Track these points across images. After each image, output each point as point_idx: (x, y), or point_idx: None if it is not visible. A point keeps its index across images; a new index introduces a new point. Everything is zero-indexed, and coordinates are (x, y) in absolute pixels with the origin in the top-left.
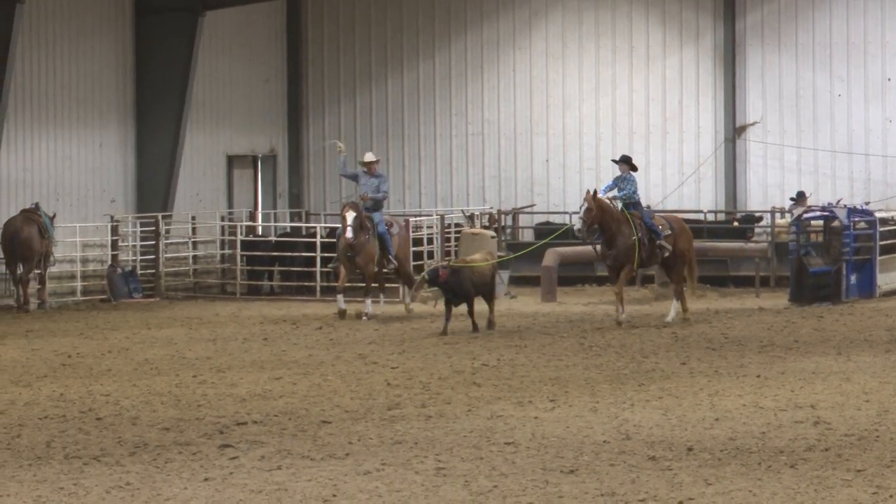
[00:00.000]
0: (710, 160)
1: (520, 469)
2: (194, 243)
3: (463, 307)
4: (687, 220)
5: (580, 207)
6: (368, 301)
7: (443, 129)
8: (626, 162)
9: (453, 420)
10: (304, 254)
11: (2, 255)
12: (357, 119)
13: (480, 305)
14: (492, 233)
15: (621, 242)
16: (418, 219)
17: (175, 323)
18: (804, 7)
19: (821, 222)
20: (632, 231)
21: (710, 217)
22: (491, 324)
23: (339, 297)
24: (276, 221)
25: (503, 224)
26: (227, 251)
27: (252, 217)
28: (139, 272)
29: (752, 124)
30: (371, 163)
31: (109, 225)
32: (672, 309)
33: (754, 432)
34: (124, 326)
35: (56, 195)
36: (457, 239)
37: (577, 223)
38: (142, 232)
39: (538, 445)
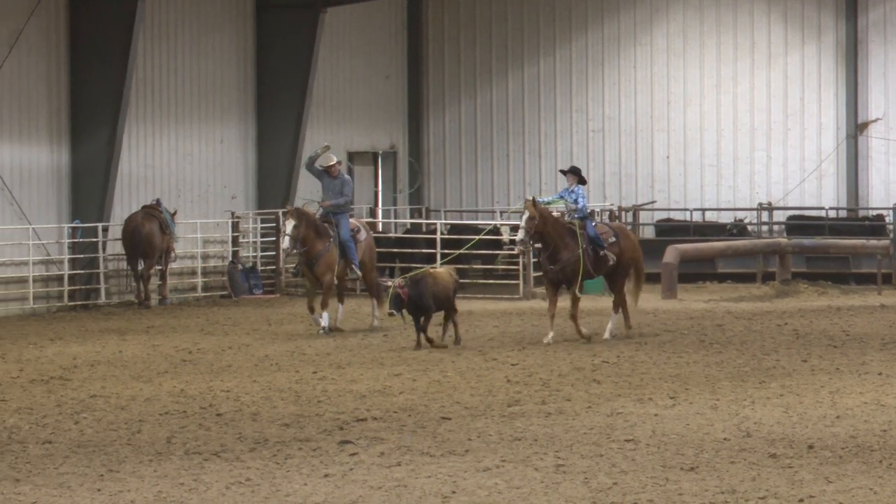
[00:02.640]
0: (832, 157)
1: (640, 466)
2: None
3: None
4: (808, 217)
5: (520, 216)
6: (325, 313)
7: (563, 126)
8: (574, 174)
9: (573, 417)
10: (424, 250)
11: (123, 252)
12: (477, 116)
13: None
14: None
15: (566, 256)
16: None
17: (295, 319)
18: None
19: None
20: (576, 243)
21: (832, 214)
22: (458, 339)
23: (314, 315)
24: (396, 218)
25: (624, 221)
26: None
27: (373, 213)
28: (260, 268)
29: (875, 121)
30: (331, 166)
31: (230, 221)
32: (610, 322)
33: (875, 430)
34: (245, 323)
35: (177, 191)
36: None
37: (519, 233)
38: (262, 228)
39: (658, 442)
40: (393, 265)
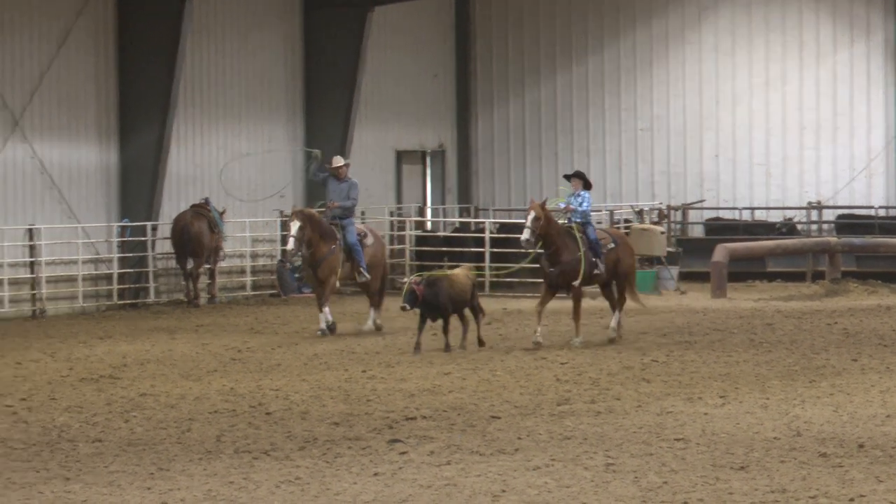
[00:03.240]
0: (881, 156)
1: (689, 465)
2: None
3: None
4: (858, 216)
5: (526, 216)
6: (321, 314)
7: (612, 125)
8: (580, 178)
9: (623, 416)
10: (473, 249)
11: (172, 250)
12: (525, 114)
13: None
14: (661, 228)
15: (566, 258)
16: None
17: (344, 318)
18: None
19: None
20: (577, 246)
21: (882, 212)
22: (480, 341)
23: (321, 315)
24: (444, 217)
25: (673, 220)
26: (396, 246)
27: (421, 212)
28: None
29: None
30: (339, 167)
31: (279, 220)
32: (613, 320)
33: None
34: (294, 321)
35: (226, 190)
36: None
37: (524, 233)
38: None
39: (708, 442)
40: (442, 264)
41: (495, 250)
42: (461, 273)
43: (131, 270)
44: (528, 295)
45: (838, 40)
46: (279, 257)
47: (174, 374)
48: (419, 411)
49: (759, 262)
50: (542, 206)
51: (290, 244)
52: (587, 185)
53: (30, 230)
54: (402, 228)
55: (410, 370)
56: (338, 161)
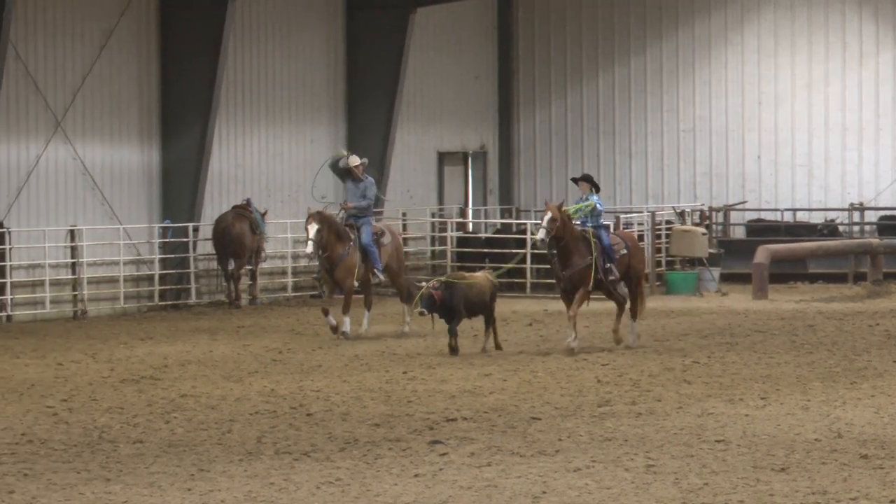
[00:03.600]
0: None
1: (730, 467)
2: (405, 240)
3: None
4: None
5: (543, 217)
6: (346, 318)
7: (654, 126)
8: (587, 181)
9: (664, 417)
10: (514, 250)
11: (214, 251)
12: (567, 116)
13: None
14: (703, 230)
15: (577, 262)
16: (628, 216)
17: (385, 319)
18: None
19: None
20: (589, 250)
21: None
22: (497, 346)
23: (329, 317)
24: (486, 218)
25: (714, 221)
26: (437, 247)
27: (463, 213)
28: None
29: None
30: (356, 166)
31: None
32: (631, 332)
33: None
34: None
35: (267, 191)
36: (667, 236)
37: (539, 233)
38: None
39: (749, 443)
40: (483, 265)
41: (537, 251)
42: (481, 277)
43: (173, 271)
44: None
45: (881, 41)
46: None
47: (215, 375)
48: (460, 412)
49: (801, 264)
50: (559, 207)
51: (309, 247)
52: (595, 188)
53: (71, 231)
54: (443, 230)
55: (451, 371)
56: (354, 160)
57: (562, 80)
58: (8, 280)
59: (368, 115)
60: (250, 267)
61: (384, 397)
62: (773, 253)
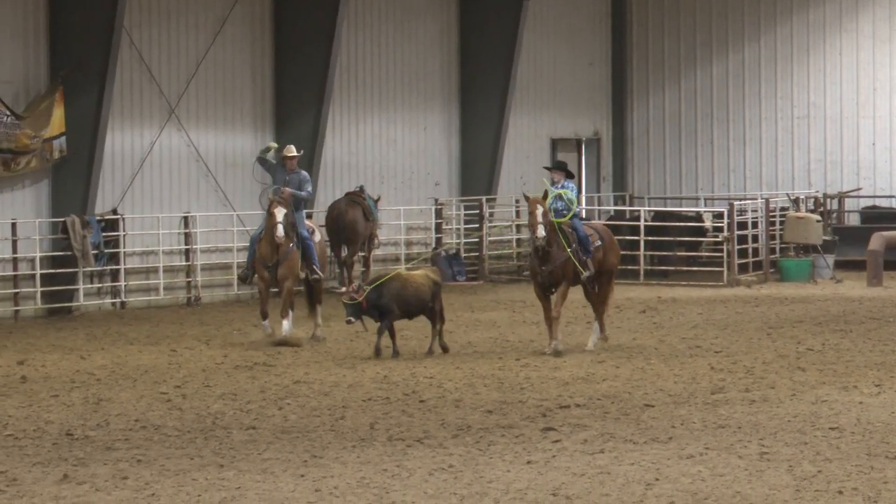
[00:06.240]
0: None
1: (844, 454)
2: (518, 227)
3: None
4: None
5: (534, 213)
6: (285, 321)
7: (768, 113)
8: (561, 169)
9: (777, 405)
10: (627, 237)
11: (327, 238)
12: (681, 102)
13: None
14: (817, 217)
15: (557, 256)
16: (743, 202)
17: (498, 306)
18: None
19: None
20: (567, 242)
21: None
22: (444, 348)
23: (265, 322)
24: (600, 205)
25: (829, 208)
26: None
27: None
28: (463, 255)
29: None
30: (292, 157)
31: (434, 208)
32: (594, 333)
33: None
34: (448, 309)
35: (381, 178)
36: (782, 223)
37: (539, 231)
38: (466, 215)
39: (863, 430)
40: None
41: (650, 238)
42: (420, 275)
43: None
44: (683, 283)
45: None
46: (434, 245)
47: (328, 361)
48: (573, 399)
49: None
50: (544, 200)
51: (280, 231)
52: (569, 175)
53: (185, 218)
54: None
55: (564, 358)
56: (290, 150)
57: (676, 67)
58: (122, 267)
59: (481, 101)
60: (363, 254)
61: (497, 384)
62: (888, 240)
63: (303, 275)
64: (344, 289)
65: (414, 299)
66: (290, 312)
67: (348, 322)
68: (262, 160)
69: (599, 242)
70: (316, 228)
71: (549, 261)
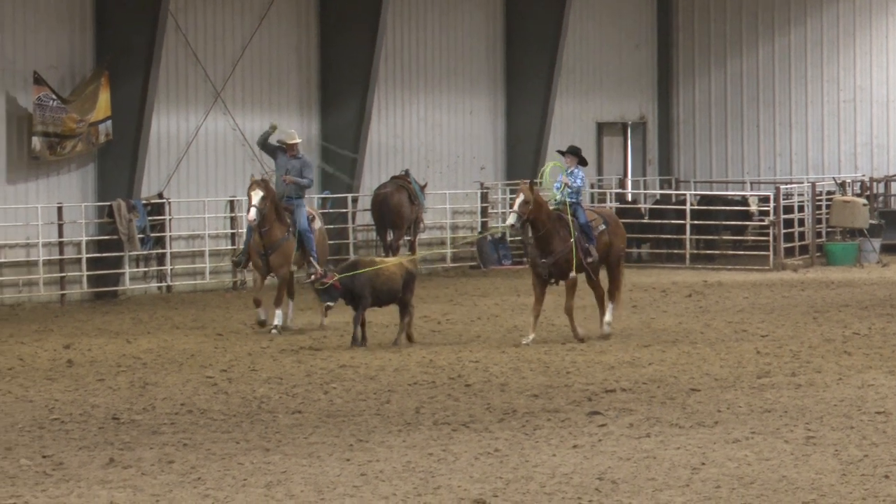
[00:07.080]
0: None
1: (891, 439)
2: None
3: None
4: None
5: (515, 199)
6: (278, 311)
7: (814, 96)
8: (574, 154)
9: (823, 389)
10: (674, 221)
11: (373, 222)
12: (727, 86)
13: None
14: (864, 201)
15: (558, 247)
16: (789, 186)
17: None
18: None
19: None
20: (568, 232)
21: None
22: (409, 338)
23: (259, 310)
24: (645, 189)
25: (875, 192)
26: None
27: (621, 184)
28: (509, 239)
29: None
30: (294, 143)
31: (479, 192)
32: (608, 313)
33: None
34: (493, 293)
35: (426, 162)
36: (828, 207)
37: (510, 218)
38: (511, 199)
39: None
40: (642, 236)
41: (696, 222)
42: (392, 263)
43: (331, 242)
44: (728, 267)
45: None
46: (479, 229)
47: (373, 345)
48: (618, 384)
49: None
50: (532, 188)
51: (253, 214)
52: (582, 162)
53: (231, 202)
54: (602, 200)
55: (609, 342)
56: (292, 137)
57: (722, 50)
58: (168, 251)
59: (527, 85)
60: (409, 238)
61: (543, 368)
62: None
63: (296, 268)
64: (313, 276)
65: (385, 288)
66: (291, 302)
67: (328, 308)
68: (263, 144)
69: (604, 226)
70: (316, 215)
71: (549, 252)
